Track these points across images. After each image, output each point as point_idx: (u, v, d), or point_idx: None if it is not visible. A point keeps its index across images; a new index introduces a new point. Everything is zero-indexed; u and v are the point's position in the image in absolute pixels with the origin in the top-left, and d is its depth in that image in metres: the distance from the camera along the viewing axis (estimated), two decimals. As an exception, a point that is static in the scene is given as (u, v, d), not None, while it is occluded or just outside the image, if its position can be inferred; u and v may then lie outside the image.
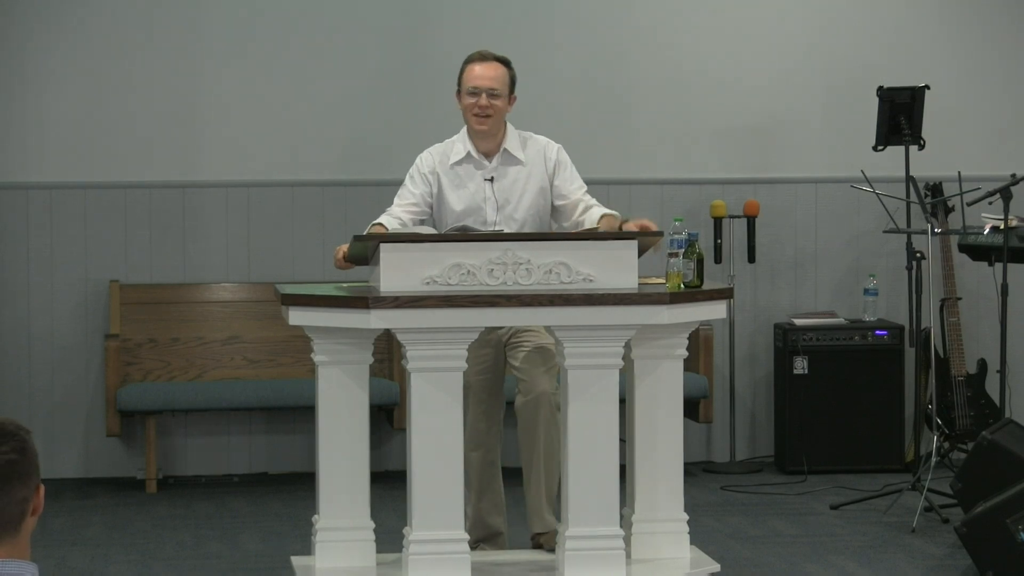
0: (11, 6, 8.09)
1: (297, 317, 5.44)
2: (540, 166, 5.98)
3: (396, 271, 5.34)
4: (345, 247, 5.73)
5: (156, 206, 8.21)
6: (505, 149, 5.96)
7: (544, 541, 5.85)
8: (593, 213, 5.89)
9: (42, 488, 2.86)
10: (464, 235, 5.60)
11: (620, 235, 5.62)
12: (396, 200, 5.99)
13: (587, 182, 6.05)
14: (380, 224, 5.87)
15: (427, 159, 6.01)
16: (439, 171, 5.97)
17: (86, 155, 8.16)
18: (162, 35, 8.18)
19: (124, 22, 8.15)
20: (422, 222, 5.98)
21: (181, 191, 8.23)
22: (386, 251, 5.37)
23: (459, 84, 5.99)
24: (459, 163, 5.97)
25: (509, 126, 6.00)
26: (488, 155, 5.97)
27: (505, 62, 5.98)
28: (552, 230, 6.01)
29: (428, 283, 5.33)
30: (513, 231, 5.89)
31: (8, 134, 8.13)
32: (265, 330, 8.17)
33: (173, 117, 8.21)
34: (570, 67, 8.40)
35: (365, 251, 5.55)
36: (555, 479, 5.82)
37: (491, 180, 5.94)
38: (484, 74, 5.91)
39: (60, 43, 8.11)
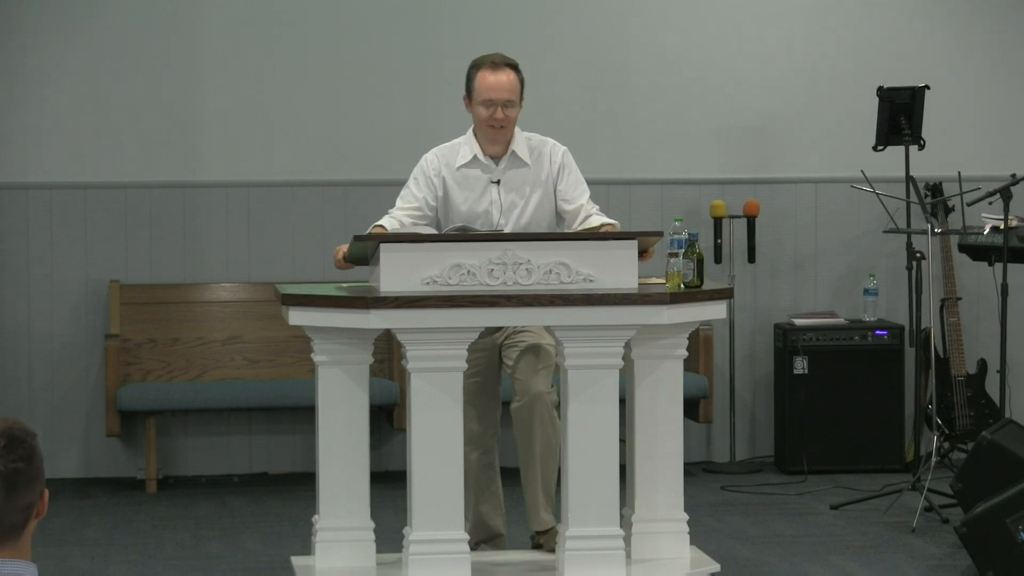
0: (11, 6, 8.09)
1: (297, 317, 5.44)
2: (545, 169, 5.91)
3: (396, 271, 5.34)
4: (345, 247, 5.72)
5: (156, 206, 8.21)
6: (513, 151, 5.88)
7: (544, 541, 5.85)
8: (592, 223, 5.84)
9: (46, 492, 2.87)
10: (464, 235, 5.58)
11: (620, 235, 5.62)
12: (398, 202, 5.92)
13: (587, 182, 6.02)
14: (381, 226, 5.84)
15: (432, 161, 5.92)
16: (444, 174, 5.89)
17: (86, 155, 8.16)
18: (162, 35, 8.18)
19: (124, 23, 8.15)
20: (425, 226, 5.95)
21: (181, 191, 8.23)
22: (386, 251, 5.36)
23: (468, 89, 5.88)
24: (465, 166, 5.90)
25: (516, 128, 5.93)
26: (495, 158, 5.91)
27: (514, 67, 5.86)
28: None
29: (428, 283, 5.33)
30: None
31: (8, 134, 8.12)
32: (265, 330, 8.16)
33: (173, 117, 8.21)
34: (570, 67, 8.40)
35: (365, 251, 5.54)
36: (552, 478, 5.82)
37: (497, 183, 5.89)
38: (499, 85, 5.79)
39: (60, 43, 8.11)
